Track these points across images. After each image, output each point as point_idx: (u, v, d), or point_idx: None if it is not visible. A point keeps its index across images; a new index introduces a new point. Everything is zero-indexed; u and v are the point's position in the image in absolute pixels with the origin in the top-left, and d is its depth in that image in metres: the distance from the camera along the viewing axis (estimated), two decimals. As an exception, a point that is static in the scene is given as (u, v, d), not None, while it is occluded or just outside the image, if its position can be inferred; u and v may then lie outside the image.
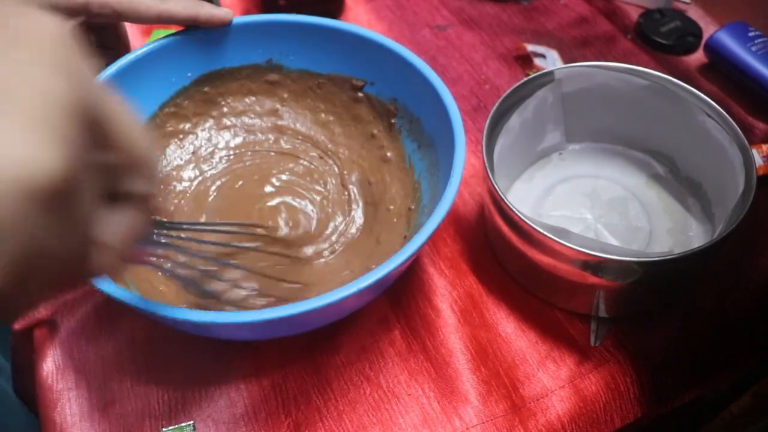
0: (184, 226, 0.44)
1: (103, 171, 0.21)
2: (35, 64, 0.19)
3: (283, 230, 0.47)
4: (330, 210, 0.49)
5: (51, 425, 0.42)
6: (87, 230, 0.21)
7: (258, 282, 0.44)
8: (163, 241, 0.39)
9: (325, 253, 0.47)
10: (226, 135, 0.52)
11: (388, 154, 0.50)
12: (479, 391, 0.43)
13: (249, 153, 0.52)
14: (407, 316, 0.46)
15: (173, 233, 0.41)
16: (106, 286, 0.34)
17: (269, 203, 0.49)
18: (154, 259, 0.38)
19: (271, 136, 0.53)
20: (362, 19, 0.68)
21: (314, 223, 0.48)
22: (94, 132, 0.20)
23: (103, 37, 0.46)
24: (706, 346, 0.45)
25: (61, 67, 0.19)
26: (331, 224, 0.48)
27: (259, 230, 0.47)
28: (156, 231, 0.38)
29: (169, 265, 0.41)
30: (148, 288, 0.43)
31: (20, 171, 0.17)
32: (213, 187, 0.50)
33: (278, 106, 0.53)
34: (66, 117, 0.19)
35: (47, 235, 0.18)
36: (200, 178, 0.50)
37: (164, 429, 0.41)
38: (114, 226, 0.23)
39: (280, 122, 0.53)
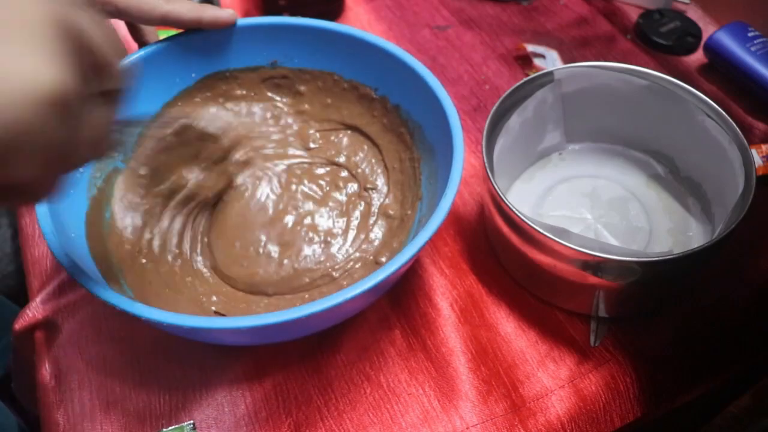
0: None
1: (89, 74, 0.25)
2: None
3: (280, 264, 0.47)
4: (333, 221, 0.49)
5: (54, 426, 0.42)
6: (86, 124, 0.25)
7: None
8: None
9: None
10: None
11: (395, 163, 0.50)
12: (479, 390, 0.43)
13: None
14: (407, 315, 0.46)
15: None
16: (103, 292, 0.34)
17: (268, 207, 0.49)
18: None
19: (273, 141, 0.52)
20: (362, 19, 0.68)
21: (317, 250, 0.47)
22: (77, 41, 0.23)
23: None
24: (706, 346, 0.45)
25: None
26: (336, 242, 0.48)
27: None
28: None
29: None
30: (144, 292, 0.43)
31: (26, 88, 0.20)
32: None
33: (281, 109, 0.53)
34: (55, 34, 0.22)
35: (63, 134, 0.23)
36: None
37: (164, 429, 0.41)
38: (100, 119, 0.26)
39: (281, 126, 0.53)
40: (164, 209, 0.47)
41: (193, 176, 0.47)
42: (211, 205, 0.48)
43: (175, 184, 0.47)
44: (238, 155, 0.49)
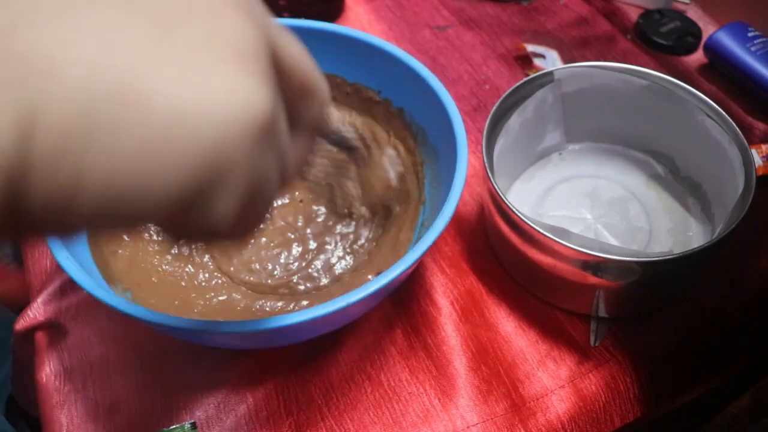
0: None
1: (284, 101, 0.23)
2: (226, 8, 0.19)
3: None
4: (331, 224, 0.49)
5: (57, 426, 0.42)
6: (284, 155, 0.22)
7: None
8: None
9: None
10: None
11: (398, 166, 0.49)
12: (480, 389, 0.43)
13: None
14: (409, 314, 0.46)
15: None
16: (105, 295, 0.34)
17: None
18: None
19: None
20: (362, 19, 0.68)
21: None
22: (276, 66, 0.21)
23: None
24: (706, 346, 0.45)
25: (243, 8, 0.20)
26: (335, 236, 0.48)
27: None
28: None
29: None
30: (146, 294, 0.43)
31: (243, 110, 0.18)
32: None
33: None
34: (262, 54, 0.19)
35: (264, 164, 0.20)
36: None
37: (164, 429, 0.41)
38: (297, 149, 0.25)
39: None
40: None
41: None
42: None
43: None
44: None
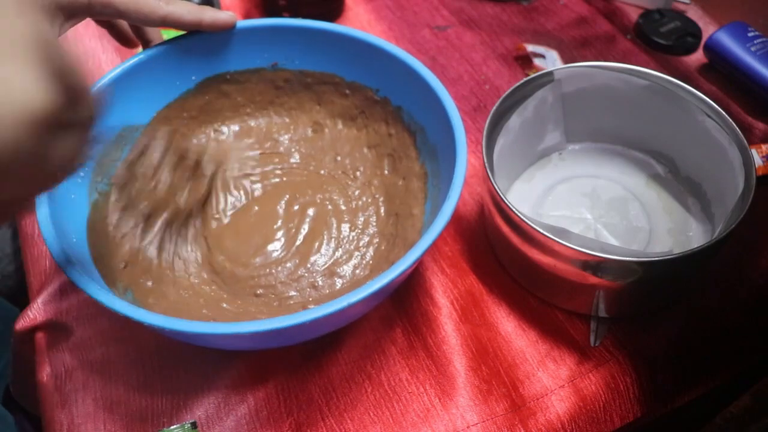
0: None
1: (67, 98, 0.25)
2: (7, 11, 0.22)
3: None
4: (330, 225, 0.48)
5: (57, 425, 0.42)
6: (60, 147, 0.25)
7: None
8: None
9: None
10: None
11: (397, 166, 0.49)
12: (480, 389, 0.43)
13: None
14: (409, 313, 0.46)
15: None
16: (105, 297, 0.34)
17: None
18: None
19: (274, 144, 0.52)
20: (362, 19, 0.68)
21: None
22: (57, 63, 0.23)
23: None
24: (706, 346, 0.45)
25: (24, 10, 0.22)
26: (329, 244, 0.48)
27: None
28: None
29: None
30: (145, 295, 0.43)
31: (24, 104, 0.20)
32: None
33: (285, 111, 0.53)
34: (43, 53, 0.22)
35: (44, 151, 0.23)
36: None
37: (165, 429, 0.41)
38: (72, 143, 0.27)
39: (285, 125, 0.53)
40: (157, 218, 0.46)
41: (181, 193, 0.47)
42: (200, 211, 0.48)
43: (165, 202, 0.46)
44: (211, 167, 0.49)
